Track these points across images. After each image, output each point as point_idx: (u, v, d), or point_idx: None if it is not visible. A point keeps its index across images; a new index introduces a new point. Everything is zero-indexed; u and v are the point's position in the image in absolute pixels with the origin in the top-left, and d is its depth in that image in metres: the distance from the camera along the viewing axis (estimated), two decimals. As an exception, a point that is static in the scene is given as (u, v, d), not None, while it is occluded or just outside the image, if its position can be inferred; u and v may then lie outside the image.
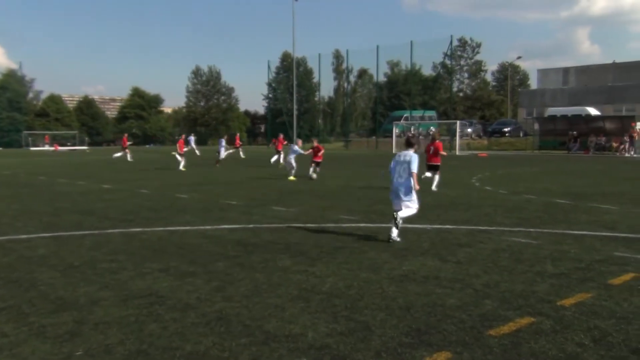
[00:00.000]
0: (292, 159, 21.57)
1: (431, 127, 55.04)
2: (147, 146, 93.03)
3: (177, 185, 18.44)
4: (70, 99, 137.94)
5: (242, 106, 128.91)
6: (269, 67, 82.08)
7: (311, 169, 20.77)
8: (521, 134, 55.73)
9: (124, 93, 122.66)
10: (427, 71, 77.55)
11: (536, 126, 50.35)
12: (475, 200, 13.93)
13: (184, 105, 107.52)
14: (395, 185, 9.03)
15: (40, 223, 10.84)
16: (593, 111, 51.55)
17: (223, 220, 11.05)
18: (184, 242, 8.81)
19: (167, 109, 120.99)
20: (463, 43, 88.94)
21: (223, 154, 33.49)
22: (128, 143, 38.70)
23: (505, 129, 57.77)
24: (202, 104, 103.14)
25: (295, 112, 72.44)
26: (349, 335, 4.74)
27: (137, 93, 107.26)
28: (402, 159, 9.13)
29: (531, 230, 9.68)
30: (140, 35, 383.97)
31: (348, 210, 12.32)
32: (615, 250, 7.96)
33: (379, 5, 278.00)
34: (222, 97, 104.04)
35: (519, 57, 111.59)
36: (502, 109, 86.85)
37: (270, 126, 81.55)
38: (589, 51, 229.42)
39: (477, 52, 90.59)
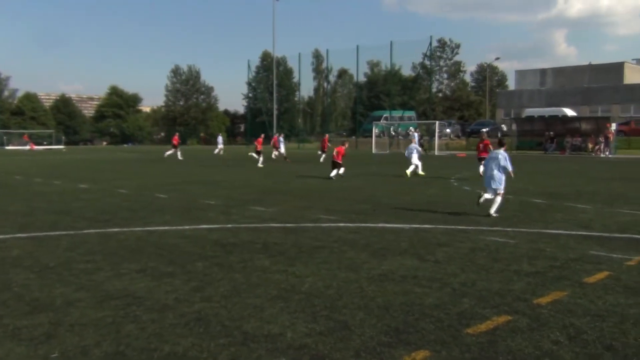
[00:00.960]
0: (413, 156, 22.23)
1: (410, 127, 55.37)
2: (125, 145, 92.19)
3: (155, 185, 18.30)
4: (47, 97, 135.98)
5: (222, 105, 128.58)
6: (249, 66, 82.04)
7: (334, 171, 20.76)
8: (499, 135, 56.24)
9: (101, 92, 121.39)
10: (407, 71, 78.16)
11: (514, 127, 50.89)
12: (453, 200, 14.04)
13: (162, 104, 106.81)
14: (489, 175, 11.40)
15: (15, 223, 10.67)
16: (569, 112, 52.31)
17: (202, 220, 11.00)
18: (162, 242, 8.75)
19: (146, 108, 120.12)
20: (442, 44, 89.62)
21: (283, 149, 35.77)
22: (179, 141, 39.25)
23: (484, 130, 58.25)
24: (181, 103, 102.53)
25: (275, 112, 72.37)
26: (328, 335, 4.74)
27: (115, 92, 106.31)
28: (494, 155, 11.53)
29: (508, 229, 9.79)
30: (119, 34, 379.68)
31: (327, 210, 12.33)
32: (590, 249, 8.09)
33: (359, 6, 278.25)
34: (202, 97, 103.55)
35: (497, 58, 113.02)
36: (480, 110, 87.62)
37: (250, 126, 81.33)
38: (565, 53, 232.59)
39: (456, 53, 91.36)
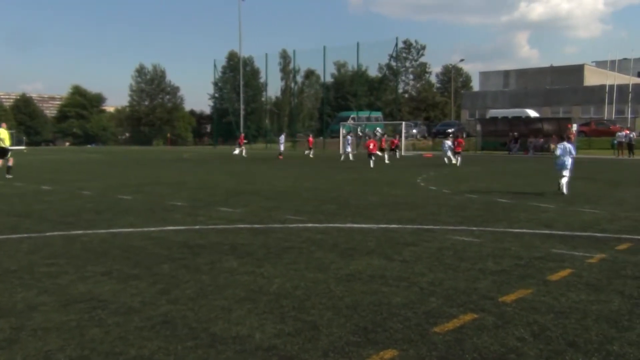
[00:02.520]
0: (448, 152, 31.06)
1: (377, 128, 55.72)
2: (89, 146, 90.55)
3: (120, 186, 18.01)
4: (7, 97, 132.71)
5: (188, 106, 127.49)
6: (215, 66, 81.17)
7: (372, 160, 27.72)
8: (464, 135, 57.04)
9: (63, 91, 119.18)
10: (373, 72, 78.78)
11: (478, 127, 51.70)
12: (420, 200, 14.18)
13: (127, 104, 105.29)
14: (561, 162, 14.96)
15: (-26, 226, 10.37)
16: (532, 113, 53.38)
17: (168, 221, 10.86)
18: (128, 245, 8.61)
19: (110, 108, 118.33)
20: (408, 45, 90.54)
21: (282, 147, 40.27)
22: (245, 141, 44.90)
23: (449, 130, 59.01)
24: (146, 103, 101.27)
25: (242, 112, 72.01)
26: (297, 336, 4.74)
27: (77, 91, 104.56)
28: (564, 147, 15.08)
29: (474, 228, 9.92)
30: (81, 31, 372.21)
31: (295, 210, 12.32)
32: (553, 247, 8.25)
33: (326, 6, 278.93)
34: (167, 97, 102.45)
35: (461, 60, 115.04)
36: (446, 110, 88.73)
37: (216, 126, 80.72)
38: (527, 55, 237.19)
39: (422, 55, 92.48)
